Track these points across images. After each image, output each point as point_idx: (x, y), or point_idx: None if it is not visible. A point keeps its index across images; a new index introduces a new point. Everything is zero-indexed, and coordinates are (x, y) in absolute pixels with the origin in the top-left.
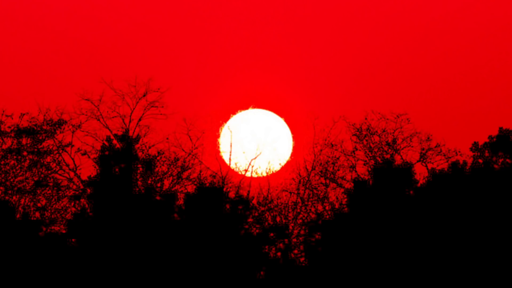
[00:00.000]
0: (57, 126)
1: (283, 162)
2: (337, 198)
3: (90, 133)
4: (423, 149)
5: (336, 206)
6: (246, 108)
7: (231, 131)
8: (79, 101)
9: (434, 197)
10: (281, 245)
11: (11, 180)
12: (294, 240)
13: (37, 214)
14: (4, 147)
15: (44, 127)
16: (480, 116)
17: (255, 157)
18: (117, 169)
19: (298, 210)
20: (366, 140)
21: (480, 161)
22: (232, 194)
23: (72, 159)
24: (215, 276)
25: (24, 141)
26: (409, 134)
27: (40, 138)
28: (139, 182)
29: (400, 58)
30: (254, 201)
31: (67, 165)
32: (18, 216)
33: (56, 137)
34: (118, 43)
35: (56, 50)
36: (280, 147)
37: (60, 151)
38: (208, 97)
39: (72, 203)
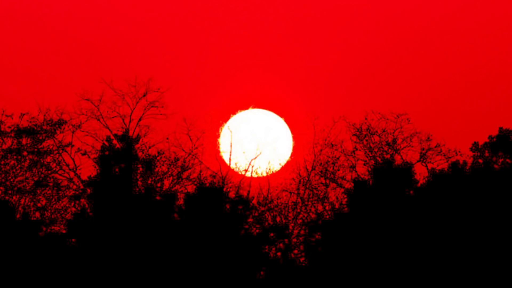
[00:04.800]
0: (57, 126)
1: (283, 162)
2: (337, 198)
3: (90, 133)
4: (423, 149)
5: (336, 206)
6: (246, 108)
7: (231, 131)
8: (79, 101)
9: (434, 197)
10: (281, 245)
11: (11, 180)
12: (294, 240)
13: (37, 214)
14: (4, 147)
15: (44, 127)
16: (480, 116)
17: (255, 157)
18: (117, 169)
19: (298, 210)
20: (366, 140)
21: (480, 161)
22: (232, 194)
23: (72, 159)
24: (215, 276)
25: (24, 141)
26: (409, 134)
27: (40, 138)
28: (139, 182)
29: (400, 58)
30: (254, 201)
31: (67, 165)
32: (18, 216)
33: (56, 137)
34: (118, 43)
35: (56, 50)
36: (280, 147)
37: (60, 151)
38: (208, 97)
39: (72, 203)
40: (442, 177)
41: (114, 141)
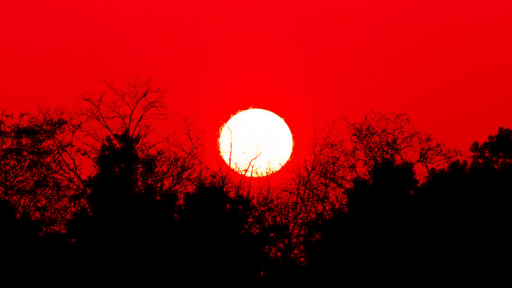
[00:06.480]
0: (57, 126)
1: (283, 162)
2: (337, 198)
3: (90, 133)
4: (423, 149)
5: (336, 206)
6: (246, 108)
7: (231, 131)
8: (79, 101)
9: (434, 197)
10: (281, 245)
11: (11, 180)
12: (294, 240)
13: (37, 214)
14: (4, 147)
15: (44, 127)
16: (480, 116)
17: (255, 157)
18: (117, 169)
19: (298, 210)
20: (366, 140)
21: (480, 161)
22: (232, 194)
23: (72, 159)
24: (215, 276)
25: (24, 141)
26: (409, 134)
27: (40, 138)
28: (139, 182)
29: (400, 58)
30: (254, 201)
31: (67, 165)
32: (18, 216)
33: (56, 137)
34: (118, 43)
35: (56, 50)
36: (280, 147)
37: (60, 151)
38: (208, 97)
39: (72, 203)
40: (442, 177)
41: (114, 141)
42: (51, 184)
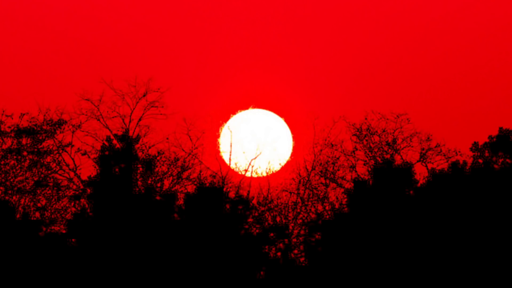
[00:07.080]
0: (57, 126)
1: (283, 162)
2: (337, 198)
3: (90, 133)
4: (423, 149)
5: (336, 206)
6: (246, 108)
7: (231, 131)
8: (79, 101)
9: (434, 197)
10: (281, 245)
11: (11, 180)
12: (294, 240)
13: (37, 214)
14: (4, 147)
15: (44, 127)
16: (480, 116)
17: (255, 157)
18: (117, 169)
19: (298, 210)
20: (366, 140)
21: (480, 161)
22: (232, 194)
23: (72, 159)
24: (215, 276)
25: (24, 141)
26: (409, 134)
27: (40, 138)
28: (139, 182)
29: (400, 58)
30: (254, 201)
31: (67, 165)
32: (18, 216)
33: (56, 137)
34: (118, 43)
35: (56, 50)
36: (280, 147)
37: (60, 151)
38: (208, 97)
39: (72, 203)
40: (442, 177)
41: (114, 141)
42: (51, 184)
